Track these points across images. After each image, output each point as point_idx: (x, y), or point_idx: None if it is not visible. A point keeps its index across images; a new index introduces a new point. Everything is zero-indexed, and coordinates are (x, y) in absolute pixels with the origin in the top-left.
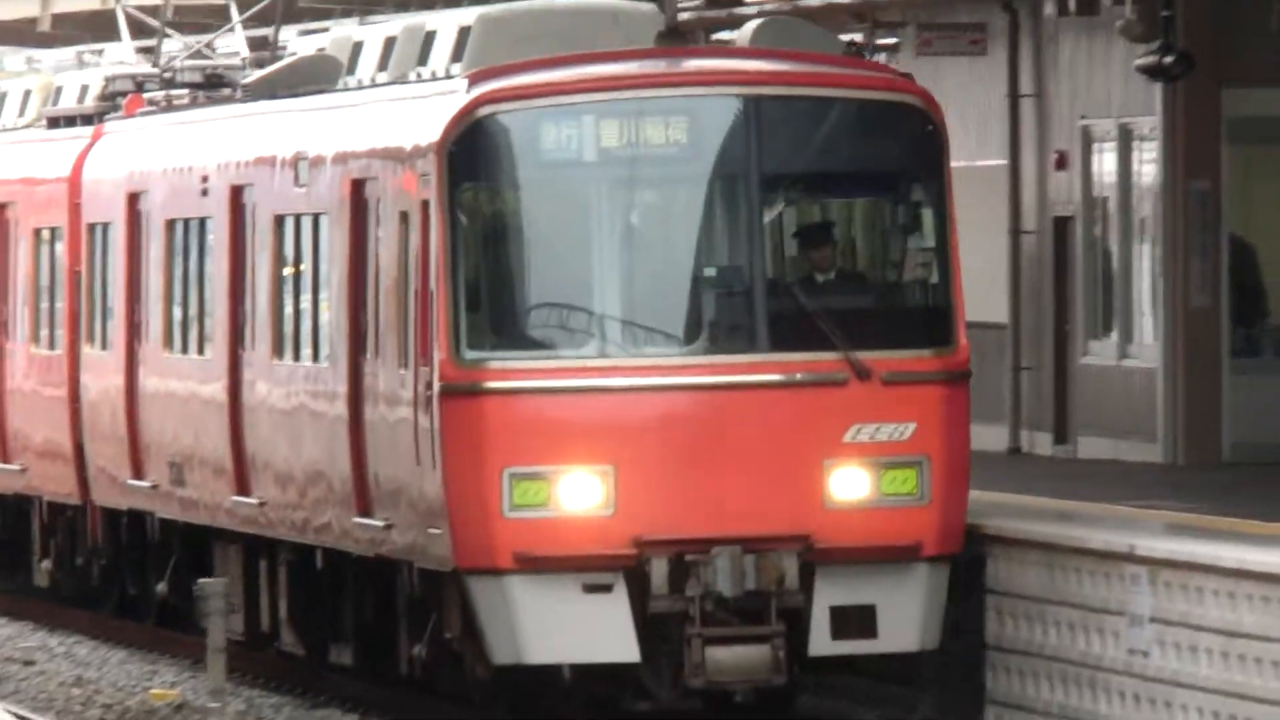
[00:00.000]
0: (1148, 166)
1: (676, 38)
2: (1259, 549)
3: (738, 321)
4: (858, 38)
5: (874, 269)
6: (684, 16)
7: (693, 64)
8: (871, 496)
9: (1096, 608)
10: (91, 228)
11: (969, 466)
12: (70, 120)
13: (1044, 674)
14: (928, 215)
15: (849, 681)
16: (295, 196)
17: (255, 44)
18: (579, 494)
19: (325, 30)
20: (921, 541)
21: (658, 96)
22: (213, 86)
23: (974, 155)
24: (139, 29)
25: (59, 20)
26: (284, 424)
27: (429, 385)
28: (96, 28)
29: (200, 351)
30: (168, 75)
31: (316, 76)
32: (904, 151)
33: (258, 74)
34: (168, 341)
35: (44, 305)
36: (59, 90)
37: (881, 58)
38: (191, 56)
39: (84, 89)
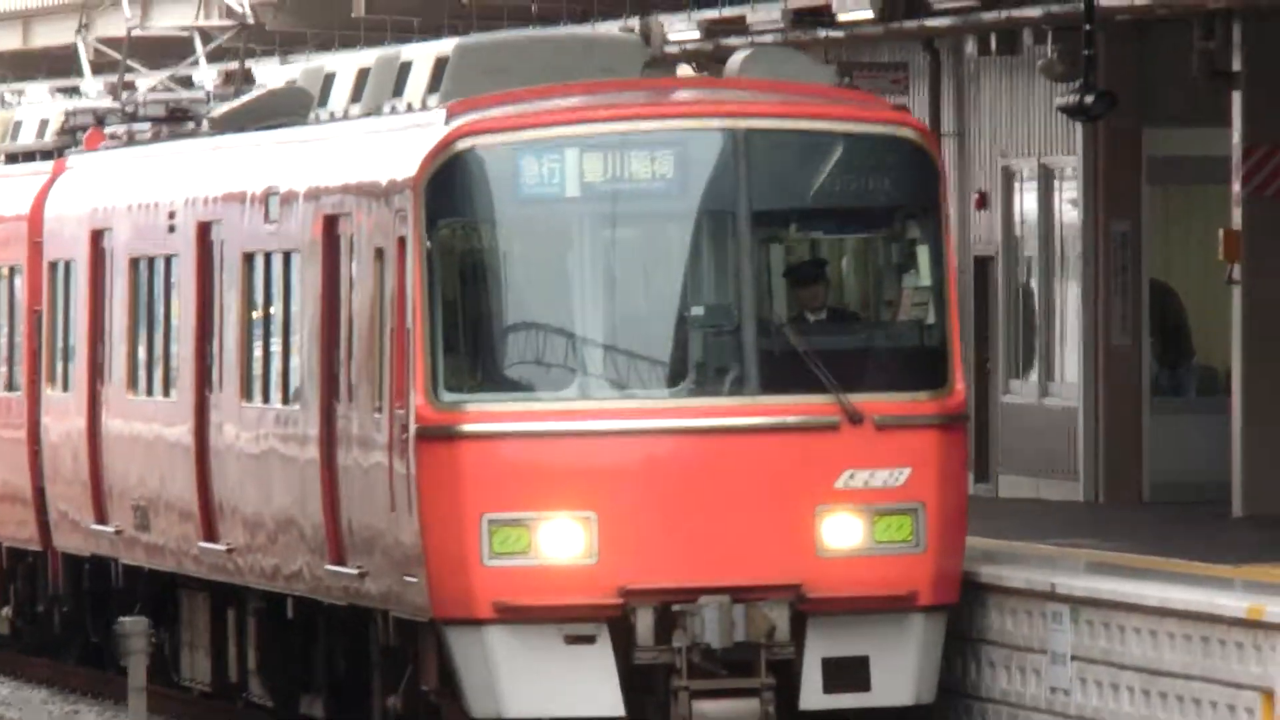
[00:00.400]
0: (1068, 206)
1: (663, 68)
2: (1180, 587)
3: (726, 363)
4: None
5: (867, 309)
6: (670, 50)
7: (679, 95)
8: (865, 544)
9: (1019, 645)
10: (53, 265)
11: (966, 513)
12: (29, 155)
13: (965, 711)
14: (923, 253)
15: None
16: (265, 233)
17: (222, 77)
18: (561, 541)
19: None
20: (917, 591)
21: (643, 129)
22: (177, 120)
23: None
24: (100, 64)
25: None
26: (253, 468)
27: (405, 428)
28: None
29: (166, 393)
30: (130, 109)
31: (286, 109)
32: (899, 186)
33: (224, 107)
34: (132, 383)
35: (2, 345)
36: (18, 125)
37: None
38: (155, 90)
39: (43, 123)
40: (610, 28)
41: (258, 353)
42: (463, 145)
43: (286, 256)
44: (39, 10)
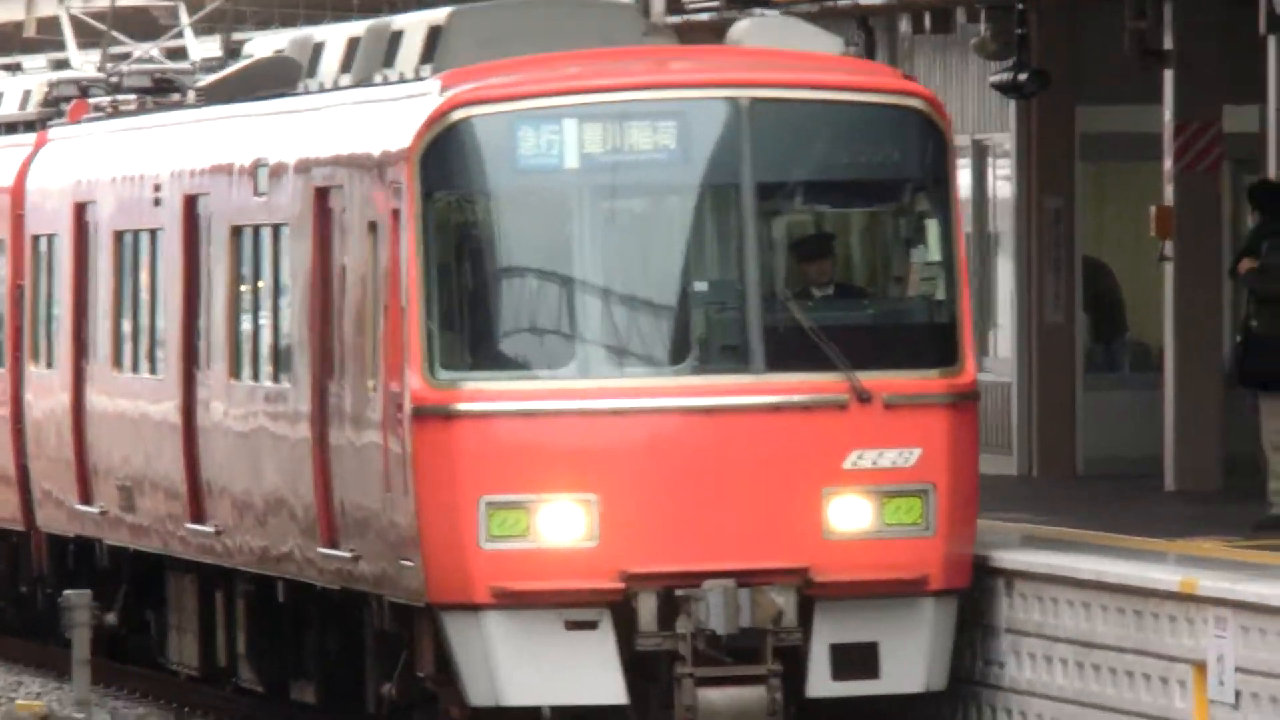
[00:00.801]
0: (1002, 183)
1: (664, 35)
2: (1114, 560)
3: (730, 340)
4: None
5: (876, 284)
6: (671, 20)
7: (682, 64)
8: (873, 527)
9: None
10: (36, 239)
11: (978, 494)
12: (11, 127)
13: None
14: (933, 226)
15: None
16: (254, 206)
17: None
18: (561, 524)
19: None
20: (927, 575)
21: (644, 99)
22: (162, 91)
23: None
24: (83, 33)
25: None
26: (242, 447)
27: (400, 407)
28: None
29: (152, 370)
30: (115, 80)
31: (275, 79)
32: (908, 158)
33: (211, 78)
34: (117, 359)
35: None
36: None
37: None
38: (140, 60)
39: (26, 94)
40: None
41: (246, 328)
42: (458, 116)
43: (276, 230)
44: None
